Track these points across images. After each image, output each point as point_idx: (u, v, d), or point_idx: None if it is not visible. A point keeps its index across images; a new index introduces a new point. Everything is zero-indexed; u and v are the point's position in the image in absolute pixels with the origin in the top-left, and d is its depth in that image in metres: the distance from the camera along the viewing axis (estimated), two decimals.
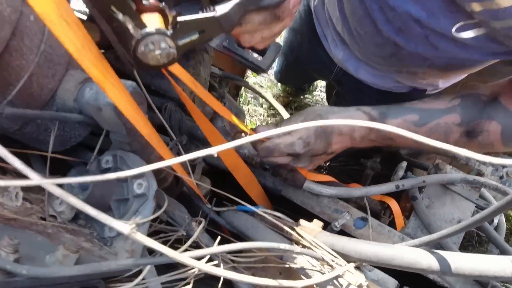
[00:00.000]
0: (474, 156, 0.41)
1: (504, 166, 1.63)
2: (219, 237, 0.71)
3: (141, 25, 0.60)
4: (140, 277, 0.63)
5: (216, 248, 0.52)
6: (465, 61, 1.23)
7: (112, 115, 0.75)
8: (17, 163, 0.35)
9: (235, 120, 1.10)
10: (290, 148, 1.08)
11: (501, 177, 1.60)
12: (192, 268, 0.71)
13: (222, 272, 0.42)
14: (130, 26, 0.59)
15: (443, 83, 1.57)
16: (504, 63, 1.37)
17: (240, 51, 1.33)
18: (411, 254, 0.69)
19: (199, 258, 0.75)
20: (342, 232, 1.23)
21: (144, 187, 0.78)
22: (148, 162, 0.87)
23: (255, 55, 1.39)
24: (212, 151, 0.45)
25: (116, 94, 0.60)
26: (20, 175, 0.36)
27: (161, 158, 0.85)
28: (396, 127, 0.43)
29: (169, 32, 0.64)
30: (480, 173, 1.50)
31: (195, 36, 0.71)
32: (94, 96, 0.78)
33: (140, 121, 0.67)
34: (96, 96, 0.78)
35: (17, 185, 0.66)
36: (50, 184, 0.38)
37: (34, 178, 0.36)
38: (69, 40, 0.52)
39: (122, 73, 0.96)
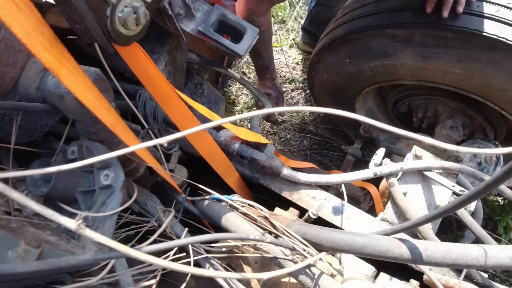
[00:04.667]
0: (437, 144, 0.40)
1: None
2: (186, 229, 0.70)
3: None
4: (105, 271, 0.61)
5: (176, 242, 0.50)
6: None
7: (74, 103, 0.72)
8: None
9: (203, 111, 1.09)
10: None
11: (479, 163, 1.60)
12: None
13: (179, 267, 0.40)
14: None
15: None
16: (480, 48, 1.36)
17: (216, 36, 1.29)
18: (383, 243, 0.68)
19: (164, 252, 0.73)
20: (320, 220, 1.23)
21: (111, 178, 0.76)
22: None
23: (231, 40, 1.35)
24: (179, 135, 0.43)
25: (73, 80, 0.56)
26: None
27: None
28: None
29: None
30: (458, 159, 1.50)
31: None
32: (56, 84, 0.75)
33: (102, 109, 0.64)
34: (58, 83, 0.74)
35: None
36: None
37: None
38: (17, 24, 0.49)
39: (94, 59, 0.92)
